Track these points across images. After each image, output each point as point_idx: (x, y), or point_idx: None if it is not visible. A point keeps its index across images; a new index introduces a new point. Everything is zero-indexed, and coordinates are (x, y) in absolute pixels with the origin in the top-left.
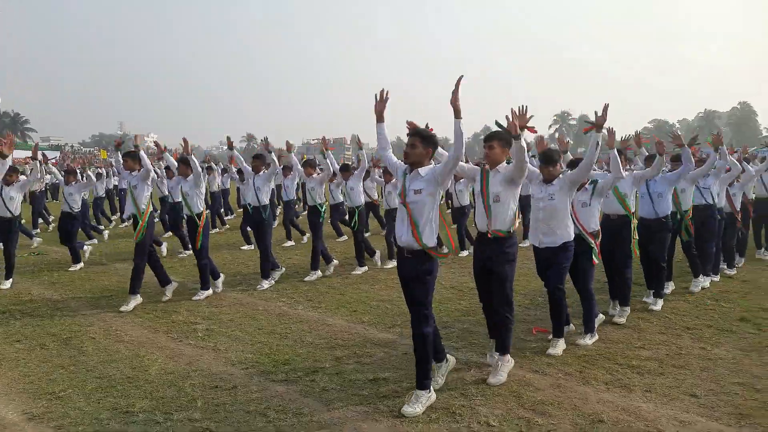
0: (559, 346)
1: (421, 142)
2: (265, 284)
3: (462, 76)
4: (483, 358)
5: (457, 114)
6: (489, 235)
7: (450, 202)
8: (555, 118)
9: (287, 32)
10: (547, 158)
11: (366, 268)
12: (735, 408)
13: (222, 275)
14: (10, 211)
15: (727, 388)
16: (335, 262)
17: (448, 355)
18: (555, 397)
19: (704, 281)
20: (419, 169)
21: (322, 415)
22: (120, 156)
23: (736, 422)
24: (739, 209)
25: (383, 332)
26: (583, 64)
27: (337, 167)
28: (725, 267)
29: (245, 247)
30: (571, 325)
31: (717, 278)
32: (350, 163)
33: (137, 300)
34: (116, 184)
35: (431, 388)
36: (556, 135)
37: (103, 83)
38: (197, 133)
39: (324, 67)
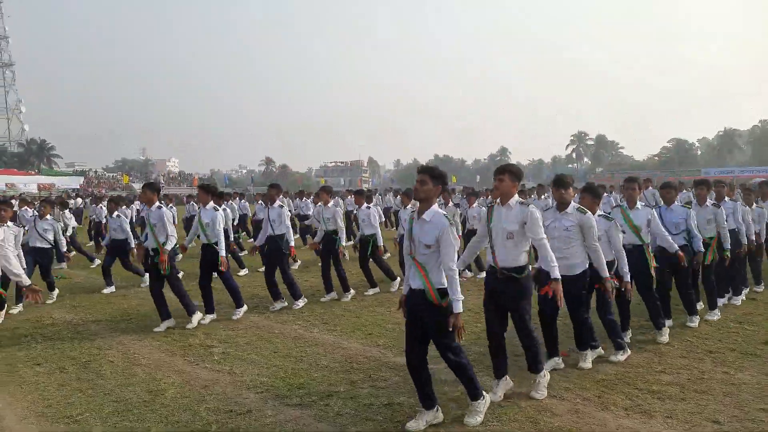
0: (588, 359)
1: (431, 179)
2: (300, 303)
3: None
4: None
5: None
6: (499, 274)
7: (464, 225)
8: (572, 138)
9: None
10: (559, 181)
11: (378, 289)
12: None
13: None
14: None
15: (752, 415)
16: (351, 291)
17: (438, 407)
18: (573, 423)
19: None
20: (425, 215)
21: None
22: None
23: None
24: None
25: (398, 356)
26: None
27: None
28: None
29: (241, 273)
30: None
31: (738, 301)
32: (366, 188)
33: (198, 316)
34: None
35: (483, 393)
36: (573, 155)
37: (128, 110)
38: (217, 156)
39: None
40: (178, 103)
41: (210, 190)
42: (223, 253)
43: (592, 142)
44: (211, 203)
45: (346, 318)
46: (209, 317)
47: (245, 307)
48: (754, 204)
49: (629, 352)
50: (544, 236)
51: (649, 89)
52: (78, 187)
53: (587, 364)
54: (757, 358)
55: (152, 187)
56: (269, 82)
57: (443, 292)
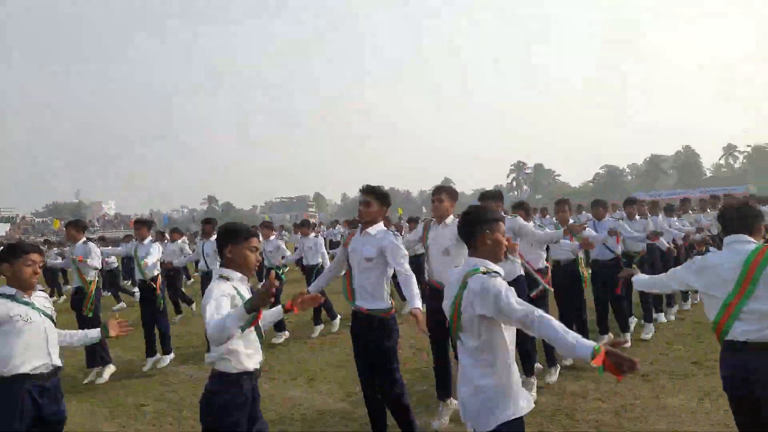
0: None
1: (376, 200)
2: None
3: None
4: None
5: None
6: (439, 289)
7: None
8: (512, 167)
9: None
10: (484, 197)
11: (322, 326)
12: None
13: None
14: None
15: None
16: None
17: None
18: None
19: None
20: (369, 229)
21: None
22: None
23: None
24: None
25: (342, 402)
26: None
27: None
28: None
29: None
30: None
31: (664, 319)
32: (313, 221)
33: (111, 369)
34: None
35: None
36: (514, 183)
37: (58, 150)
38: (157, 197)
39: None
40: (114, 142)
41: (147, 224)
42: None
43: (531, 171)
44: (149, 238)
45: (288, 363)
46: (168, 358)
47: (172, 355)
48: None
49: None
50: None
51: (581, 118)
52: (4, 234)
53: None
54: (688, 379)
55: (76, 225)
56: (211, 118)
57: (382, 312)
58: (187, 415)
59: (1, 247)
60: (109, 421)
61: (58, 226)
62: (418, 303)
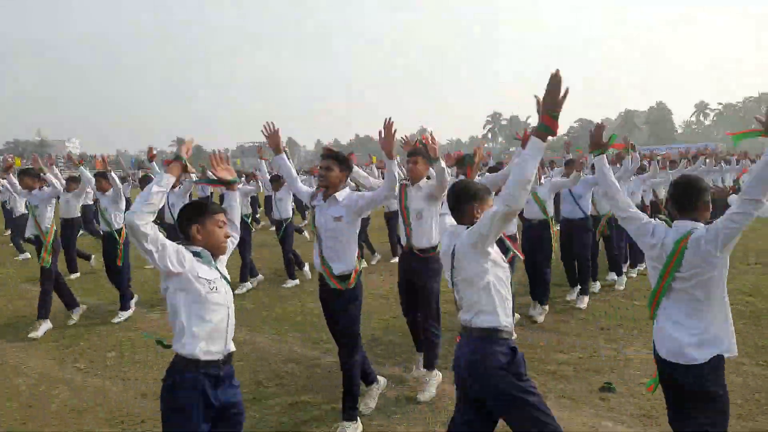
0: None
1: (337, 165)
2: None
3: (390, 118)
4: (407, 372)
5: (389, 155)
6: (414, 252)
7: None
8: (488, 118)
9: None
10: (459, 163)
11: (297, 281)
12: (640, 410)
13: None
14: None
15: (634, 389)
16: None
17: (378, 377)
18: None
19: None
20: (336, 194)
21: None
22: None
23: (641, 424)
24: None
25: (309, 349)
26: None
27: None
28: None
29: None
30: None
31: (634, 274)
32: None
33: (47, 325)
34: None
35: (358, 419)
36: (488, 136)
37: (19, 85)
38: (123, 137)
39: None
40: (78, 76)
41: (107, 178)
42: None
43: (507, 122)
44: (111, 190)
45: (256, 312)
46: (125, 314)
47: (130, 312)
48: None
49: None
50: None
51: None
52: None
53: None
54: (643, 333)
55: (29, 174)
56: (179, 53)
57: (344, 278)
58: (152, 361)
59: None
60: (71, 366)
61: (20, 164)
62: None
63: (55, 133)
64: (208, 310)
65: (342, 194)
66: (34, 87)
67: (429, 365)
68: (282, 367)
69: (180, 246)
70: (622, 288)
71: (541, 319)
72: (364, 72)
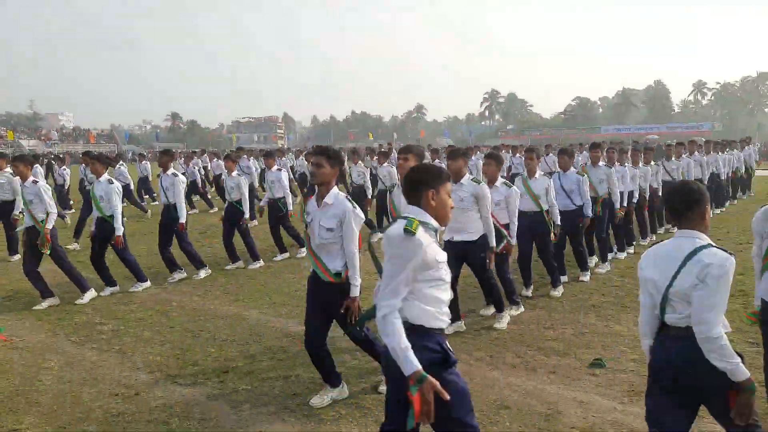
0: (504, 320)
1: (328, 161)
2: (202, 273)
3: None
4: None
5: None
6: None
7: (375, 185)
8: (485, 96)
9: None
10: (452, 153)
11: (287, 254)
12: (629, 385)
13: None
14: None
15: (624, 365)
16: (260, 261)
17: (343, 383)
18: None
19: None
20: (327, 198)
21: (228, 419)
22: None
23: (629, 399)
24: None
25: (301, 325)
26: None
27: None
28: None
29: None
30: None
31: (623, 256)
32: (282, 145)
33: (91, 293)
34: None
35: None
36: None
37: (13, 57)
38: (118, 111)
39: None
40: (71, 49)
41: (103, 161)
42: (118, 228)
43: (504, 100)
44: (105, 176)
45: (249, 287)
46: (110, 290)
47: (148, 283)
48: (641, 164)
49: (522, 308)
50: None
51: (556, 51)
52: None
53: (503, 324)
54: (634, 310)
55: (24, 160)
56: (175, 25)
57: (338, 273)
58: (147, 335)
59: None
60: (68, 340)
61: (13, 137)
62: (356, 292)
63: (48, 107)
64: None
65: (332, 197)
66: (28, 59)
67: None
68: (276, 341)
69: None
70: (603, 272)
71: (557, 294)
72: (361, 48)
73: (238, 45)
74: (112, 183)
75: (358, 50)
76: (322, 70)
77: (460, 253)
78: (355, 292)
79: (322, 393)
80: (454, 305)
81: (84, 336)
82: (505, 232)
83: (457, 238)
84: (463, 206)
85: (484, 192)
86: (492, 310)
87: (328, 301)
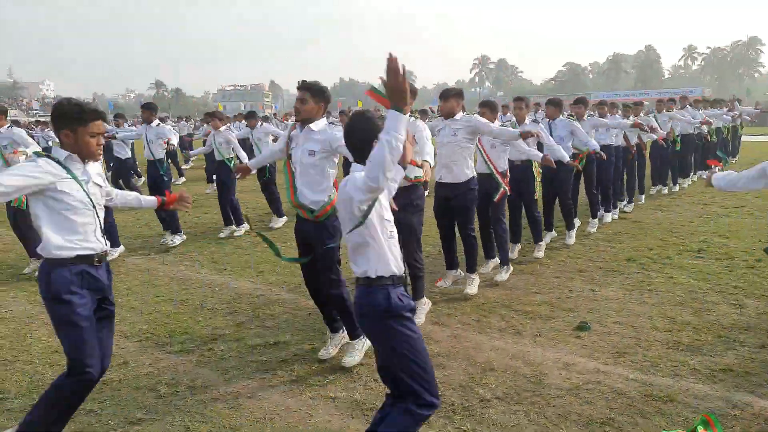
0: (475, 284)
1: (312, 97)
2: (177, 239)
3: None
4: None
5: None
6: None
7: None
8: (475, 62)
9: None
10: (444, 94)
11: (285, 218)
12: (613, 347)
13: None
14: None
15: (609, 328)
16: (245, 225)
17: (342, 329)
18: (451, 348)
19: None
20: (311, 125)
21: (216, 386)
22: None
23: (613, 361)
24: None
25: (289, 292)
26: None
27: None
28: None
29: None
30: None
31: (609, 218)
32: (269, 113)
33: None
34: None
35: (362, 335)
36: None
37: None
38: (100, 79)
39: None
40: (51, 16)
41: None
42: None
43: (494, 66)
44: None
45: (236, 256)
46: (117, 251)
47: (122, 248)
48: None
49: (511, 269)
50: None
51: (546, 17)
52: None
53: (473, 288)
54: (620, 274)
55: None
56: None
57: (316, 210)
58: (135, 304)
59: None
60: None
61: None
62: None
63: (28, 75)
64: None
65: (319, 125)
66: (6, 25)
67: (416, 294)
68: (264, 309)
69: None
70: (593, 230)
71: (540, 254)
72: (350, 13)
73: (223, 12)
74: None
75: (347, 15)
76: (309, 36)
77: (449, 196)
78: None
79: (327, 343)
80: (451, 254)
81: None
82: (500, 179)
83: (446, 179)
84: (456, 141)
85: (478, 120)
86: (491, 267)
87: (309, 242)
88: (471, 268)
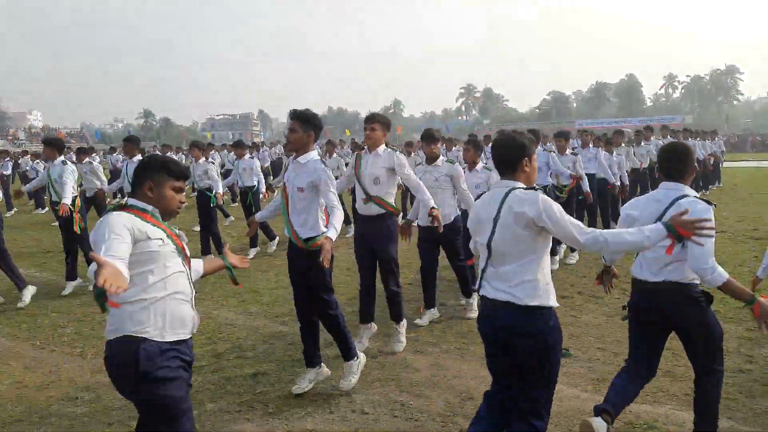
0: (475, 307)
1: (301, 126)
2: None
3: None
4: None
5: None
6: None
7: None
8: (461, 90)
9: None
10: (428, 136)
11: (258, 249)
12: (594, 373)
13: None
14: None
15: (590, 354)
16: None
17: (322, 364)
18: (432, 377)
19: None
20: (300, 158)
21: None
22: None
23: (593, 387)
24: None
25: (271, 323)
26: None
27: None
28: None
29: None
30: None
31: None
32: (258, 141)
33: (31, 291)
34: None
35: (357, 353)
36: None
37: None
38: (88, 109)
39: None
40: (37, 47)
41: (56, 145)
42: (66, 198)
43: (480, 95)
44: (60, 158)
45: (219, 285)
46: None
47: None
48: (614, 151)
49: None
50: (413, 175)
51: (530, 43)
52: None
53: (473, 313)
54: (600, 300)
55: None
56: (147, 27)
57: (311, 240)
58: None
59: None
60: (27, 342)
61: None
62: (333, 234)
63: (16, 106)
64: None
65: (307, 158)
66: None
67: (397, 318)
68: (243, 340)
69: None
70: (573, 262)
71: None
72: (339, 45)
73: (212, 43)
74: (66, 164)
75: (336, 47)
76: (298, 67)
77: (437, 239)
78: (332, 233)
79: (300, 379)
80: (430, 293)
81: (45, 340)
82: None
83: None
84: (438, 186)
85: (458, 170)
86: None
87: (302, 271)
88: (467, 293)
